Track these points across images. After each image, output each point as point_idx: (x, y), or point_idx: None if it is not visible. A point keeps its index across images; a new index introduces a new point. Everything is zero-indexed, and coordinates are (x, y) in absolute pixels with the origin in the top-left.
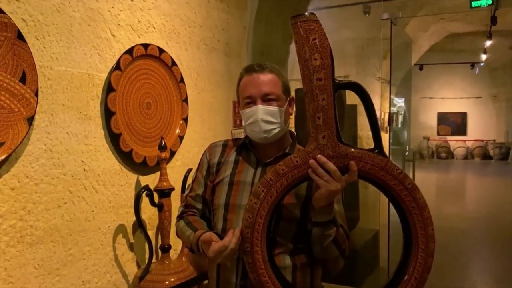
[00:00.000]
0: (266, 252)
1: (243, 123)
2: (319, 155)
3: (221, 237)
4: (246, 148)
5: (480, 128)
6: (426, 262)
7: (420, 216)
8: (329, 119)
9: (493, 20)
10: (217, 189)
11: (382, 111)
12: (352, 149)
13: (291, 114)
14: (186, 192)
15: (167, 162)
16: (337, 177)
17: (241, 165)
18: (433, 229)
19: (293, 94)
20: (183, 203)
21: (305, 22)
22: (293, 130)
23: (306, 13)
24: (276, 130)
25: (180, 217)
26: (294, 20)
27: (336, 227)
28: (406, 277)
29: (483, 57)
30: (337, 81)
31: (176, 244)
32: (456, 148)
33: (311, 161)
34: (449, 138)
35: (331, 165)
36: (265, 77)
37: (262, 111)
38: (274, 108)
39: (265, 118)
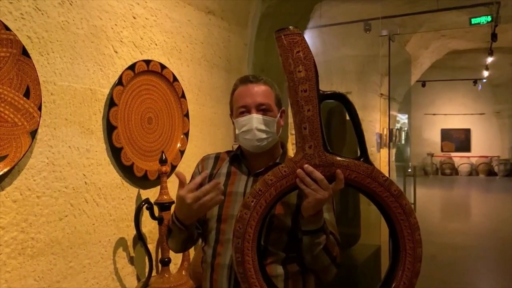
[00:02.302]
0: (257, 262)
1: (236, 132)
2: (306, 165)
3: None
4: (238, 159)
5: (484, 144)
6: (414, 267)
7: (406, 222)
8: (315, 129)
9: (494, 37)
10: None
11: (383, 127)
12: (338, 158)
13: (282, 125)
14: None
15: (168, 176)
16: (324, 186)
17: (233, 176)
18: (420, 234)
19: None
20: None
21: (289, 36)
22: (293, 146)
23: (290, 26)
24: (269, 140)
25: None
26: (278, 34)
27: (326, 235)
28: (395, 283)
29: (485, 73)
30: (321, 92)
31: (176, 257)
32: (461, 164)
33: (299, 170)
34: (453, 154)
35: (318, 174)
36: (259, 88)
37: (256, 120)
38: (268, 118)
39: (259, 127)
